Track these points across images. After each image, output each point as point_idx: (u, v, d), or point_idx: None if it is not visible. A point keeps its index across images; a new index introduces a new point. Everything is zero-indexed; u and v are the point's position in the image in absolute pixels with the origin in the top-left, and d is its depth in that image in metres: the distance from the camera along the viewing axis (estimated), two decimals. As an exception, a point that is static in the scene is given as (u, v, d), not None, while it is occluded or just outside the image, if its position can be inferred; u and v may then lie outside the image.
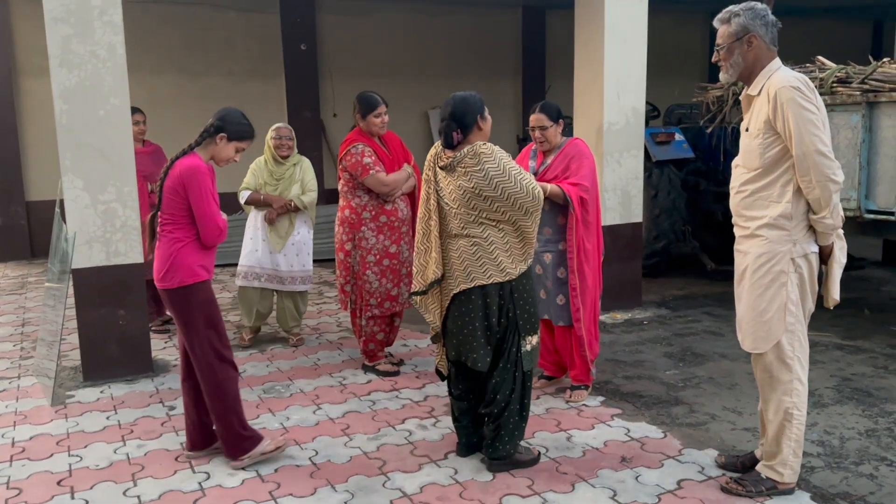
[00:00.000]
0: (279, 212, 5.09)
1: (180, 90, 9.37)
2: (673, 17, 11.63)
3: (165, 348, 5.31)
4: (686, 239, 7.40)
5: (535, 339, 3.29)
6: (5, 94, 8.97)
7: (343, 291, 4.61)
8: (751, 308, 2.95)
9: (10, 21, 8.93)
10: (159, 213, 3.27)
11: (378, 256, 4.47)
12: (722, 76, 2.97)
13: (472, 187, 3.07)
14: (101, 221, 4.51)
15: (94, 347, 4.60)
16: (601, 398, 4.16)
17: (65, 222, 4.52)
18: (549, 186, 3.85)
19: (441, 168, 3.21)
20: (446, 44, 10.93)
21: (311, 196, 5.17)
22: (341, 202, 4.57)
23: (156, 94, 9.15)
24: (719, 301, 6.39)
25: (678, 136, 7.21)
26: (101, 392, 4.43)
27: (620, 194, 5.96)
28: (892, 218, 4.88)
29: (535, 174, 4.02)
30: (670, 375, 4.54)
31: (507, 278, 3.16)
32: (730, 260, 7.50)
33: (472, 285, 3.15)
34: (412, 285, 3.38)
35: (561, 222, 3.98)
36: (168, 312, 3.43)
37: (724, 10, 2.90)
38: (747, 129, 2.92)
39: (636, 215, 6.06)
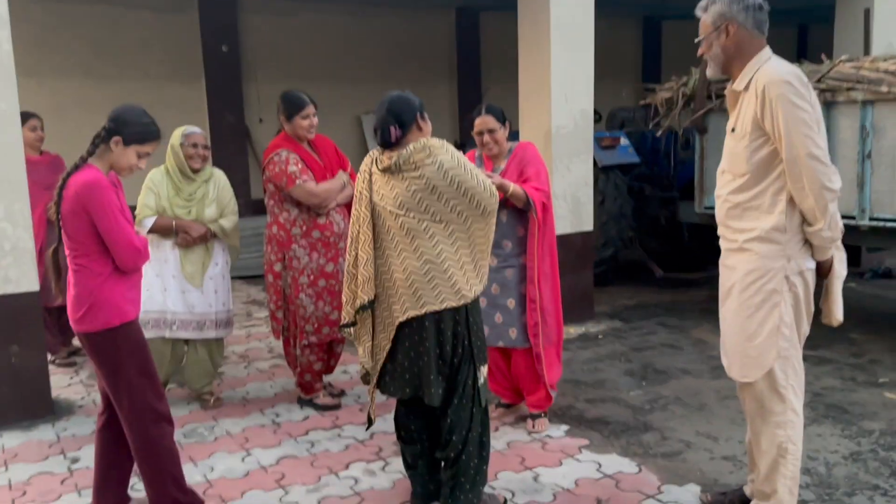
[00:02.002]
0: (197, 241, 4.06)
1: (88, 95, 8.57)
2: (607, 19, 11.41)
3: (70, 385, 4.68)
4: (633, 246, 7.20)
5: (485, 370, 2.90)
6: None
7: (275, 318, 4.12)
8: (738, 331, 2.63)
9: None
10: (63, 243, 2.74)
11: (312, 277, 3.99)
12: (707, 71, 2.67)
13: (425, 184, 2.66)
14: (-13, 244, 3.90)
15: (-18, 391, 3.97)
16: (565, 427, 3.80)
17: (-58, 246, 3.88)
18: (513, 186, 3.48)
19: (383, 170, 2.76)
20: (378, 46, 10.48)
21: (234, 220, 4.16)
22: (269, 218, 4.07)
23: (60, 99, 8.36)
24: (671, 310, 6.17)
25: (623, 141, 6.99)
26: (-9, 443, 3.81)
27: (571, 201, 5.66)
28: (853, 222, 4.71)
29: None
30: (635, 397, 4.23)
31: (461, 302, 2.74)
32: (676, 265, 7.53)
33: (424, 311, 2.72)
34: (341, 316, 2.94)
35: (521, 234, 3.63)
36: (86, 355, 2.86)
37: None
38: (733, 130, 2.61)
39: (587, 223, 5.79)
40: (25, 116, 4.42)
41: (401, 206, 2.71)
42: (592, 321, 5.83)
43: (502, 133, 3.66)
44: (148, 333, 3.75)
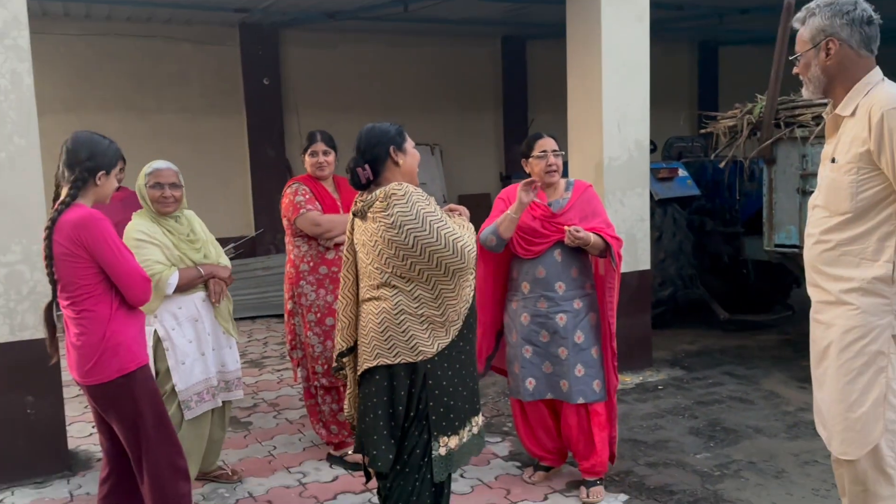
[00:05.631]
0: (228, 285, 3.54)
1: (129, 128, 8.59)
2: (661, 45, 11.10)
3: (91, 435, 4.47)
4: (693, 285, 6.79)
5: (452, 441, 2.59)
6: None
7: (292, 359, 4.01)
8: (837, 399, 2.26)
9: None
10: (59, 295, 2.65)
11: (319, 315, 3.83)
12: (804, 92, 2.35)
13: (382, 237, 2.53)
14: (3, 288, 3.76)
15: (-5, 443, 3.79)
16: (624, 496, 3.43)
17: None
18: (593, 237, 3.32)
19: (355, 214, 2.67)
20: (421, 76, 10.36)
21: (228, 259, 3.67)
22: (287, 256, 4.01)
23: (102, 133, 8.42)
24: (739, 357, 5.75)
25: (681, 172, 6.64)
26: (1, 501, 3.60)
27: (625, 238, 5.24)
28: None
29: (552, 215, 3.42)
30: (702, 460, 3.82)
31: (419, 358, 2.54)
32: (740, 307, 7.07)
33: (376, 363, 2.56)
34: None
35: (575, 274, 3.41)
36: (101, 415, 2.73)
37: (803, 8, 2.27)
38: (833, 161, 2.27)
39: (643, 262, 5.45)
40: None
41: (367, 254, 2.61)
42: (650, 369, 5.45)
43: (561, 160, 3.50)
44: (195, 411, 3.39)
